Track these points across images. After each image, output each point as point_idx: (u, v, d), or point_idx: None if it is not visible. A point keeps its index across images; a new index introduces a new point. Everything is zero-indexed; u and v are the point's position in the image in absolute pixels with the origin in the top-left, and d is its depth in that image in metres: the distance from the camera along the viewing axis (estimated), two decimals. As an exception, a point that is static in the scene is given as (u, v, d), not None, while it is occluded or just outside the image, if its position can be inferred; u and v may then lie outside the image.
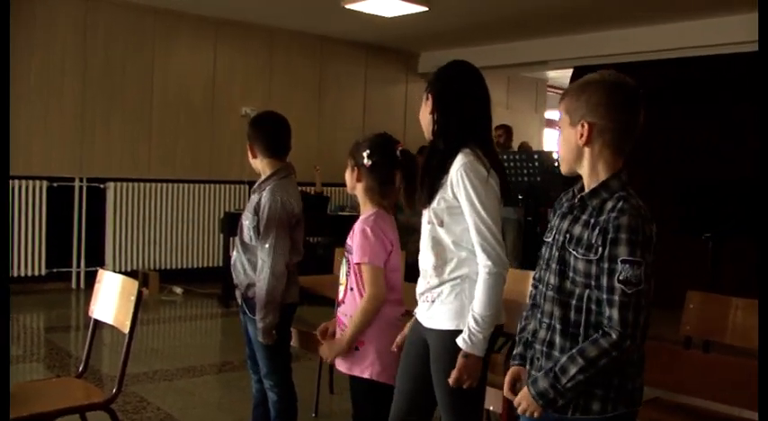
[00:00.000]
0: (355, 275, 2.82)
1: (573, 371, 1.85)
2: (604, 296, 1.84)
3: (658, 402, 3.04)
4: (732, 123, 7.67)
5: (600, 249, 1.85)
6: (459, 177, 2.37)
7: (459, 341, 2.35)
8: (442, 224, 2.44)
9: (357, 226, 2.84)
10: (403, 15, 7.93)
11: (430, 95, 2.51)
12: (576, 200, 1.97)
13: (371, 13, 7.85)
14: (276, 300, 3.13)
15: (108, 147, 8.07)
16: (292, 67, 9.41)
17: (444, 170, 2.42)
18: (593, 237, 1.87)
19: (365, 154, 2.82)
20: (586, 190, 1.96)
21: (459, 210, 2.40)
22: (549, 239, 2.03)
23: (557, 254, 1.95)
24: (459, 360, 2.34)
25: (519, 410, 1.97)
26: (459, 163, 2.39)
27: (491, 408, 2.67)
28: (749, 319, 3.26)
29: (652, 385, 2.57)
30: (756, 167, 7.19)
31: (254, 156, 3.32)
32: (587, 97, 1.92)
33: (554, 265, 1.97)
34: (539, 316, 2.02)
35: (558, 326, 1.94)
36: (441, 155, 2.46)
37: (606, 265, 1.83)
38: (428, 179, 2.47)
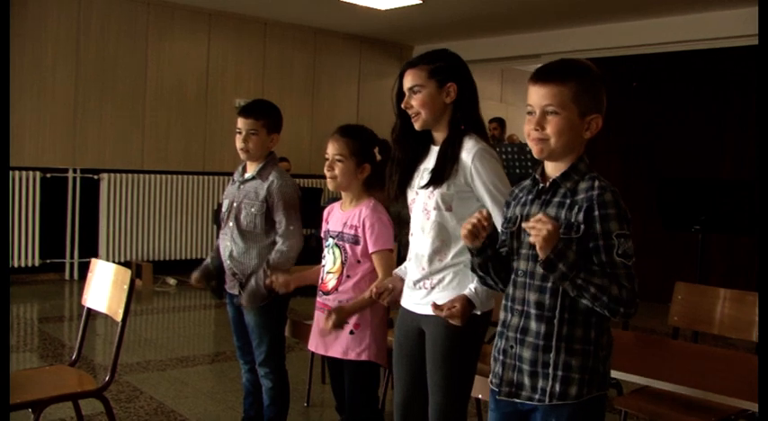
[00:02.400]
0: (357, 262, 2.86)
1: (595, 280, 1.83)
2: (607, 271, 1.85)
3: (647, 391, 3.08)
4: (725, 118, 7.70)
5: (582, 227, 1.87)
6: (477, 162, 2.39)
7: (467, 290, 2.36)
8: (450, 209, 2.45)
9: (369, 216, 2.87)
10: (397, 8, 7.93)
11: (452, 84, 2.47)
12: (548, 184, 1.98)
13: (365, 5, 7.85)
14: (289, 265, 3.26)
15: (102, 139, 8.06)
16: (286, 60, 9.41)
17: (456, 156, 2.43)
18: (572, 216, 1.89)
19: (376, 150, 2.90)
20: (553, 174, 1.98)
21: (468, 194, 2.42)
22: (513, 228, 2.03)
23: (528, 239, 1.91)
24: (463, 302, 2.33)
25: (532, 223, 1.83)
26: (473, 149, 2.40)
27: (480, 397, 2.69)
28: (737, 310, 3.30)
29: (641, 374, 2.60)
30: (744, 162, 7.23)
31: (268, 134, 3.29)
32: (595, 91, 1.95)
33: (524, 251, 1.98)
34: (509, 304, 2.02)
35: (532, 312, 1.95)
36: (452, 142, 2.46)
37: (602, 242, 1.85)
38: (438, 165, 2.45)
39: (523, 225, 1.90)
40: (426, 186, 2.47)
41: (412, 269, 2.58)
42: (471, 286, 2.36)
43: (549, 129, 1.92)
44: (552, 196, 1.96)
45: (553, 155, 1.97)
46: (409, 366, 2.61)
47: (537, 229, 1.82)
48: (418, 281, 2.54)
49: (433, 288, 2.50)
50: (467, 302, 2.33)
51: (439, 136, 2.53)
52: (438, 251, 2.48)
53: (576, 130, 1.94)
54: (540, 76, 1.96)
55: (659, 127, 8.07)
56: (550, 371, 1.92)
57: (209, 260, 3.52)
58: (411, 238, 2.61)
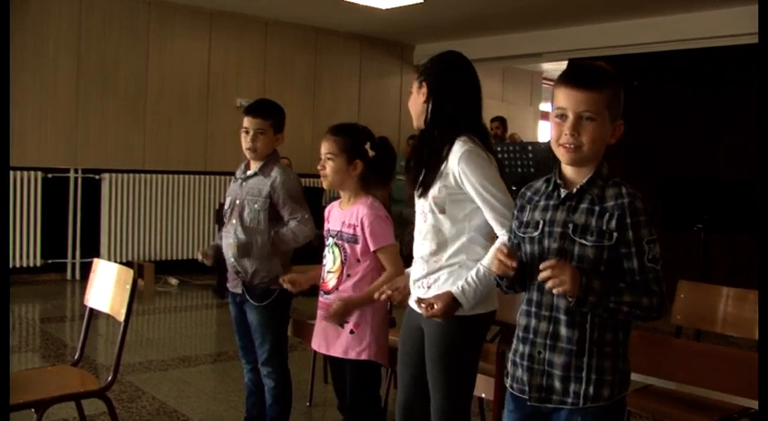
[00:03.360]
0: (357, 261, 2.86)
1: (625, 298, 1.86)
2: (637, 277, 1.88)
3: (650, 390, 3.07)
4: (726, 117, 7.69)
5: (615, 235, 1.87)
6: (463, 164, 2.39)
7: (454, 288, 2.38)
8: (443, 212, 2.46)
9: (366, 215, 2.87)
10: (398, 7, 7.92)
11: (424, 84, 2.52)
12: (573, 190, 1.95)
13: (367, 4, 7.84)
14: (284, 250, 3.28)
15: (103, 139, 8.06)
16: (287, 59, 9.41)
17: (442, 159, 2.44)
18: (603, 224, 1.89)
19: (368, 146, 2.90)
20: (577, 179, 1.95)
21: (461, 195, 2.43)
22: (535, 233, 1.98)
23: (554, 245, 1.92)
24: (445, 299, 2.36)
25: (548, 273, 1.82)
26: (459, 151, 2.41)
27: (483, 396, 2.69)
28: (740, 309, 3.29)
29: (644, 373, 2.59)
30: (745, 162, 7.22)
31: (274, 133, 3.31)
32: (621, 97, 1.96)
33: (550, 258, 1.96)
34: (534, 310, 1.99)
35: (562, 317, 1.93)
36: (435, 143, 2.47)
37: (634, 249, 1.87)
38: (426, 169, 2.48)
39: (540, 276, 1.85)
40: (418, 190, 2.53)
41: (415, 269, 2.61)
42: (460, 283, 2.38)
43: (585, 137, 1.89)
44: (578, 203, 1.94)
45: (585, 161, 1.94)
46: (411, 365, 2.61)
47: (558, 280, 1.81)
48: (418, 280, 2.56)
49: (429, 287, 2.51)
50: (451, 300, 2.36)
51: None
52: (435, 253, 2.50)
53: (606, 137, 1.94)
54: (576, 81, 1.91)
55: (661, 126, 8.06)
56: (584, 374, 1.92)
57: (219, 242, 3.50)
58: (414, 241, 2.63)
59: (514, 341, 2.06)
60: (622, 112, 1.97)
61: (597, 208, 1.91)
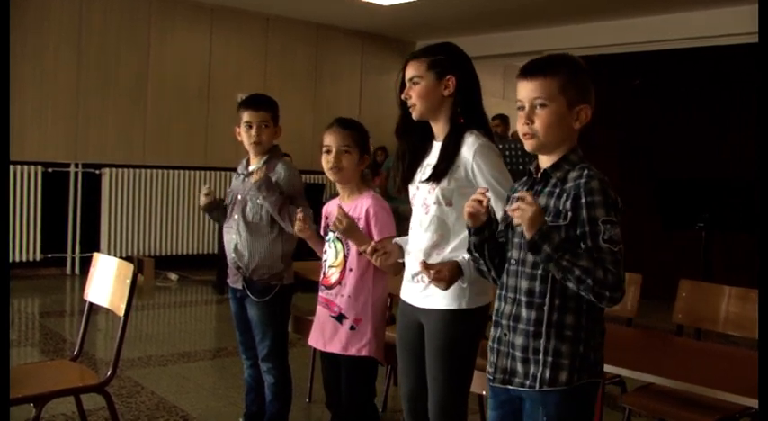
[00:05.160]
0: (359, 255, 2.86)
1: (581, 262, 1.82)
2: (593, 255, 1.85)
3: (651, 389, 3.07)
4: (727, 116, 7.68)
5: (569, 214, 1.89)
6: (478, 158, 2.40)
7: (459, 258, 2.37)
8: (450, 204, 2.46)
9: (372, 205, 2.87)
10: (400, 3, 7.91)
11: (452, 77, 2.47)
12: (539, 175, 2.00)
13: (368, 0, 7.83)
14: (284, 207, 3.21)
15: (103, 133, 8.05)
16: (288, 55, 9.40)
17: (457, 152, 2.43)
18: (560, 204, 1.91)
19: (371, 141, 2.95)
20: (545, 165, 2.00)
21: (469, 189, 2.40)
22: (509, 220, 2.03)
23: (519, 228, 1.94)
24: (451, 266, 2.35)
25: (516, 205, 1.85)
26: (474, 144, 2.41)
27: (483, 393, 2.68)
28: (741, 308, 3.29)
29: (645, 371, 2.59)
30: (747, 162, 7.22)
31: (275, 126, 3.31)
32: (581, 81, 1.97)
33: (516, 240, 2.00)
34: (503, 293, 2.04)
35: (523, 299, 1.96)
36: (453, 137, 2.46)
37: (588, 228, 1.86)
38: (441, 161, 2.46)
39: (506, 208, 1.94)
40: (427, 181, 2.48)
41: (410, 262, 2.59)
42: (465, 255, 2.36)
43: (538, 123, 1.95)
44: (544, 186, 1.99)
45: (544, 148, 1.99)
46: (412, 359, 2.62)
47: (521, 210, 1.84)
48: (416, 274, 2.54)
49: (430, 281, 2.48)
50: (456, 268, 2.36)
51: (439, 130, 2.53)
52: (436, 245, 2.49)
53: (565, 122, 1.96)
54: (526, 71, 1.99)
55: (661, 125, 8.05)
56: (540, 356, 1.93)
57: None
58: (411, 233, 2.62)
59: (492, 326, 2.10)
60: (589, 98, 1.98)
61: (558, 190, 1.94)
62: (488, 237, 2.07)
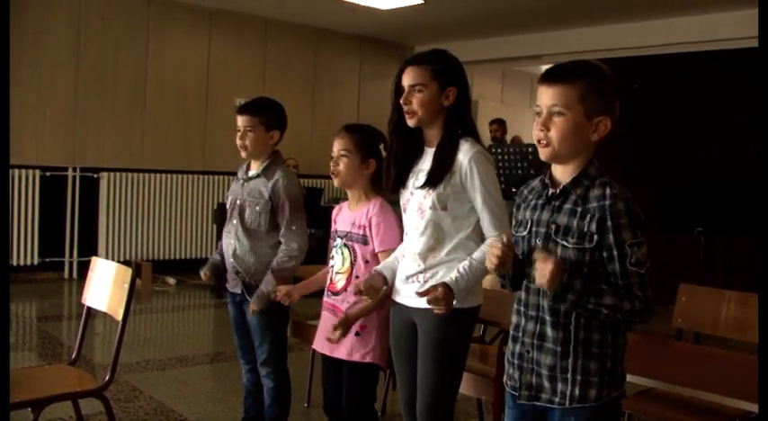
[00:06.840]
0: (366, 262, 2.85)
1: (606, 300, 1.83)
2: (620, 282, 1.85)
3: (651, 393, 3.06)
4: (729, 120, 7.68)
5: (595, 237, 1.86)
6: (473, 164, 2.45)
7: (447, 278, 2.41)
8: (445, 208, 2.50)
9: (375, 215, 2.85)
10: (398, 8, 7.92)
11: (453, 88, 2.52)
12: (558, 190, 1.95)
13: (366, 5, 7.84)
14: (288, 275, 3.23)
15: (101, 137, 8.05)
16: (287, 59, 9.40)
17: (453, 159, 2.47)
18: (584, 226, 1.87)
19: (382, 146, 2.87)
20: (563, 179, 1.95)
21: (464, 194, 2.48)
22: (525, 233, 2.00)
23: (539, 246, 1.93)
24: (444, 289, 2.37)
25: (540, 268, 1.82)
26: (470, 151, 2.47)
27: (483, 398, 2.68)
28: (741, 312, 3.28)
29: (645, 376, 2.58)
30: (748, 163, 7.21)
31: (266, 131, 3.26)
32: (604, 92, 1.92)
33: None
34: (522, 309, 2.01)
35: (548, 318, 1.94)
36: (449, 144, 2.50)
37: (615, 252, 1.85)
38: (437, 167, 2.49)
39: (542, 256, 1.87)
40: (423, 187, 2.52)
41: (406, 265, 2.61)
42: (452, 275, 2.41)
43: (553, 132, 1.90)
44: (563, 203, 1.94)
45: (558, 158, 1.94)
46: (408, 361, 2.64)
47: (539, 271, 1.82)
48: (411, 275, 2.58)
49: (426, 281, 2.53)
50: (448, 290, 2.37)
51: (432, 136, 2.57)
52: (432, 248, 2.54)
53: (582, 133, 1.90)
54: (547, 77, 1.93)
55: (661, 129, 8.04)
56: (569, 375, 1.92)
57: (217, 257, 3.48)
58: (405, 237, 2.65)
59: (509, 339, 2.08)
60: (612, 109, 1.93)
61: (580, 209, 1.90)
62: (516, 271, 2.02)
